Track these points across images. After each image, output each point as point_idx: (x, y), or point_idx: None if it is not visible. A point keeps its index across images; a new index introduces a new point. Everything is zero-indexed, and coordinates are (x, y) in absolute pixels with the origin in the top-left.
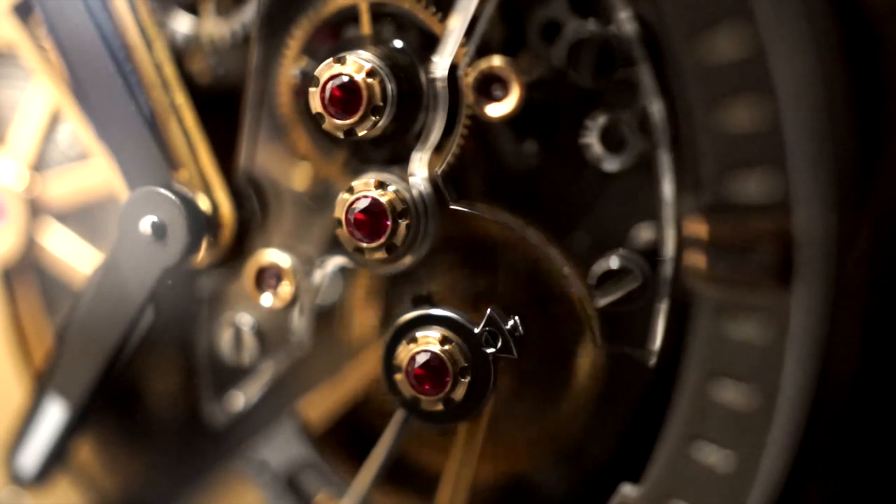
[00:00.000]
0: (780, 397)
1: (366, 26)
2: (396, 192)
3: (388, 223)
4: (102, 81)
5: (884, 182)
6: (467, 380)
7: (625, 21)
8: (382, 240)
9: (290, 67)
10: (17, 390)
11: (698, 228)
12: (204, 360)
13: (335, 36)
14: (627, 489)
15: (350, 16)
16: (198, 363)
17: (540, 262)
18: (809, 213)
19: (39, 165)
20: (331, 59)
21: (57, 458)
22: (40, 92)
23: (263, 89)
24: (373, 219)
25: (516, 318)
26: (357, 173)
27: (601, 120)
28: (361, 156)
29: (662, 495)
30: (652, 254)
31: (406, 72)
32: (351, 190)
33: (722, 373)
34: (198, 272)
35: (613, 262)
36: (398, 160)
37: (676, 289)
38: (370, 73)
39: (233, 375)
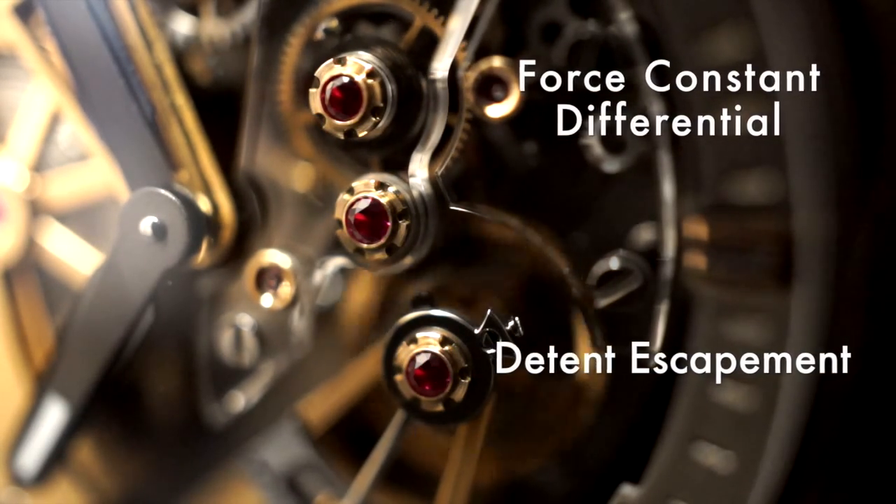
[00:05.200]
0: (781, 398)
1: (406, 41)
2: (397, 192)
3: (389, 224)
4: (104, 82)
5: (884, 182)
6: (468, 380)
7: (625, 22)
8: (383, 241)
9: (290, 71)
10: (17, 391)
11: (698, 229)
12: (204, 360)
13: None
14: (627, 489)
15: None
16: (198, 364)
17: (540, 263)
18: (809, 213)
19: (40, 166)
20: (331, 59)
21: (57, 458)
22: (41, 93)
23: (264, 90)
24: (373, 220)
25: (516, 318)
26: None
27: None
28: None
29: (662, 496)
30: (652, 254)
31: (406, 73)
32: (351, 191)
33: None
34: (198, 273)
35: (614, 263)
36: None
37: (677, 290)
38: (370, 74)
39: (233, 376)
